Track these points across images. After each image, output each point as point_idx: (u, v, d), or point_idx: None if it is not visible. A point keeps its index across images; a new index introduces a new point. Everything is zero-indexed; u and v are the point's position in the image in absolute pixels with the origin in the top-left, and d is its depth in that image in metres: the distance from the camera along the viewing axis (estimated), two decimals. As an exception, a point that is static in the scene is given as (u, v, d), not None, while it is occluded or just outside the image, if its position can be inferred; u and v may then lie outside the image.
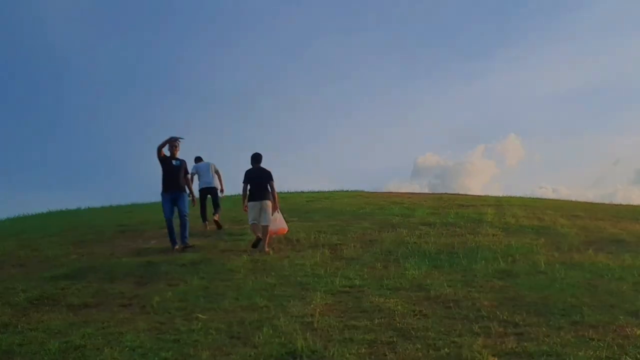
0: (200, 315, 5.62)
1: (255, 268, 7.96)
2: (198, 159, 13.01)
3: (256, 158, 9.80)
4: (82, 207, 22.36)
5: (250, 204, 9.55)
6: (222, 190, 12.59)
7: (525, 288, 6.35)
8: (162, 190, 9.97)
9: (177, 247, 9.75)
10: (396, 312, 5.48)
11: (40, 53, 56.96)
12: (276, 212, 9.77)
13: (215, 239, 10.74)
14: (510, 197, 18.91)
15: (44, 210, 21.89)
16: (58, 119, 60.34)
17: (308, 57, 67.56)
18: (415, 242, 9.55)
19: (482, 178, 59.73)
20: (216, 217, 11.95)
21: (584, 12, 63.68)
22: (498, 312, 5.35)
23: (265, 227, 9.40)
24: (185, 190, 10.22)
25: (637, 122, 65.91)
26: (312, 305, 5.88)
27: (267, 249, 9.16)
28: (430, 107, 67.68)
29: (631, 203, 18.90)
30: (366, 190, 23.18)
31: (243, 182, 9.74)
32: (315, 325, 5.14)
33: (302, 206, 15.76)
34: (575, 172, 60.26)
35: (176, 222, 9.89)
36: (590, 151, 62.87)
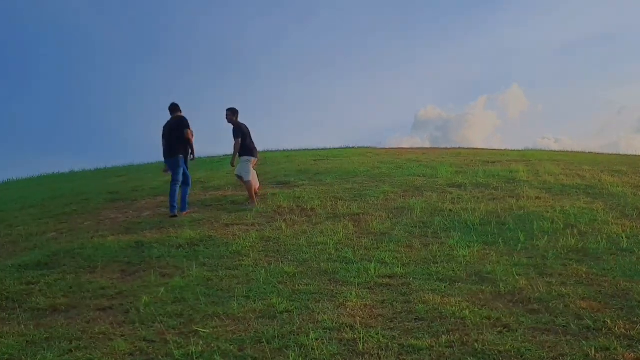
0: (201, 330, 4.14)
1: (267, 249, 6.47)
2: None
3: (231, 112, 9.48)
4: (76, 170, 20.90)
5: (247, 158, 9.53)
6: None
7: (621, 275, 4.87)
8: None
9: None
10: (466, 320, 4.00)
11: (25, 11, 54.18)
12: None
13: (216, 209, 9.22)
14: (535, 150, 17.34)
15: (36, 173, 20.46)
16: (54, 83, 58.02)
17: (302, 13, 64.70)
18: (451, 210, 8.03)
19: (484, 130, 58.00)
20: None
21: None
22: (609, 321, 3.86)
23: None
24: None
25: (638, 71, 63.68)
26: (347, 309, 4.40)
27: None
28: (431, 59, 65.32)
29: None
30: (374, 146, 21.64)
31: (236, 137, 9.43)
32: (361, 347, 3.66)
33: (310, 166, 14.19)
34: (578, 122, 58.55)
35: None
36: (593, 101, 60.97)
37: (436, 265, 5.47)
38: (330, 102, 65.16)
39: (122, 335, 4.19)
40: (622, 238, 6.00)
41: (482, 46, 64.21)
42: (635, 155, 16.22)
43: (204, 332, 4.09)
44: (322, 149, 21.06)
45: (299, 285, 5.07)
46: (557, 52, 63.50)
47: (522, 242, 6.16)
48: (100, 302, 5.02)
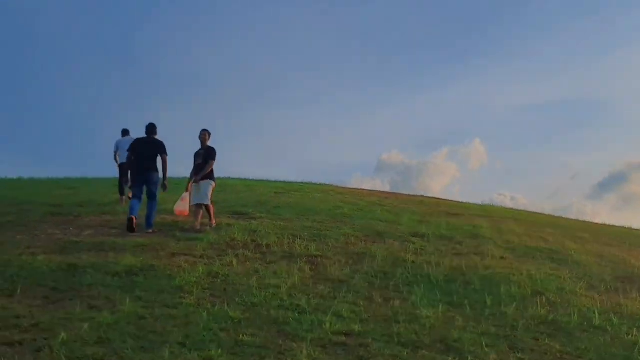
0: (120, 384, 3.46)
1: (214, 287, 5.81)
2: (125, 132, 12.22)
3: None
4: (24, 177, 19.72)
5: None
6: None
7: (596, 357, 4.42)
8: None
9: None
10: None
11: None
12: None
13: (164, 234, 8.50)
14: (495, 206, 17.21)
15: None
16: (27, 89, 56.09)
17: (275, 48, 64.92)
18: (413, 262, 7.53)
19: (444, 179, 58.51)
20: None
21: (552, 33, 62.94)
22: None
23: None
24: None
25: (596, 139, 65.79)
26: (297, 372, 3.79)
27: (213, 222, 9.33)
28: (400, 108, 66.00)
29: (591, 219, 17.39)
30: (336, 184, 21.22)
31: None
32: None
33: (270, 199, 13.60)
34: (534, 182, 59.45)
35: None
36: (550, 164, 62.26)
37: (398, 325, 4.91)
38: (295, 135, 64.96)
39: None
40: (594, 313, 5.58)
41: (447, 99, 65.40)
42: (595, 223, 16.23)
43: (124, 387, 3.41)
44: (284, 182, 20.51)
45: (243, 335, 4.43)
46: (518, 112, 65.08)
47: (489, 306, 5.68)
48: (10, 334, 4.26)
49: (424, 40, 67.68)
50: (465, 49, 66.30)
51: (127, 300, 5.15)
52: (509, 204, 36.64)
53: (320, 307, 5.32)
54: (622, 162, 64.29)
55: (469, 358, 4.22)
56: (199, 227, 9.01)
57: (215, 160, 9.39)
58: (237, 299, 5.41)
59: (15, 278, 5.66)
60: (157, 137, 9.33)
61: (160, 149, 9.12)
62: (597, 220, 17.44)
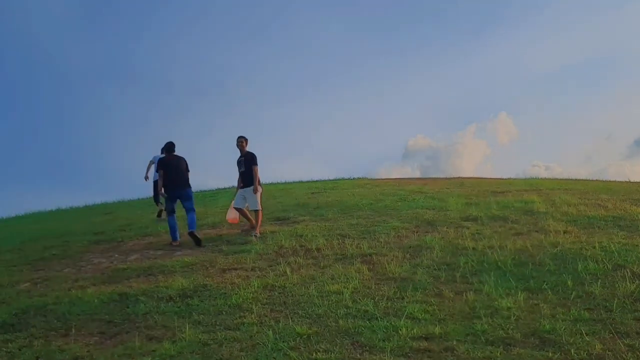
0: None
1: (272, 301, 5.45)
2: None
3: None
4: (63, 207, 19.82)
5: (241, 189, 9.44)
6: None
7: None
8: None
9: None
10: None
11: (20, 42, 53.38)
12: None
13: (210, 249, 8.20)
14: (541, 179, 16.52)
15: (21, 212, 19.36)
16: (51, 116, 56.93)
17: (290, 41, 64.53)
18: (474, 248, 7.06)
19: (474, 158, 57.39)
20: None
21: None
22: None
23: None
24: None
25: (628, 96, 63.72)
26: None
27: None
28: (419, 88, 65.04)
29: (630, 179, 16.45)
30: (368, 177, 20.80)
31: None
32: None
33: (308, 200, 13.24)
34: (566, 149, 58.06)
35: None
36: (581, 128, 60.78)
37: (479, 321, 4.47)
38: (317, 131, 64.50)
39: None
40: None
41: (467, 74, 64.13)
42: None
43: None
44: (317, 181, 20.19)
45: (316, 353, 4.05)
46: (540, 79, 63.55)
47: (571, 288, 5.18)
48: (70, 379, 3.98)
49: (434, 15, 66.35)
50: (478, 18, 64.74)
51: (186, 326, 4.82)
52: (543, 174, 35.55)
53: (390, 311, 4.92)
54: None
55: (572, 351, 3.76)
56: (250, 227, 9.26)
57: (258, 165, 9.35)
58: (299, 312, 5.04)
59: (67, 315, 5.38)
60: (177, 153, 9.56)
61: (187, 166, 9.39)
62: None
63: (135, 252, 8.55)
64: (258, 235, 8.87)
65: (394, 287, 5.61)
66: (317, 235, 8.46)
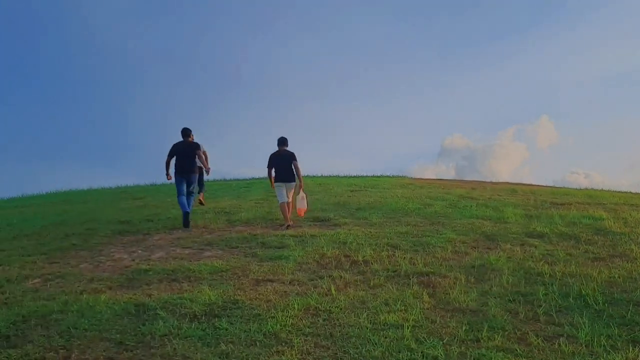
0: None
1: (317, 331, 4.42)
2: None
3: (281, 141, 9.54)
4: (94, 187, 19.24)
5: (277, 184, 9.39)
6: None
7: None
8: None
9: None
10: None
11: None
12: (301, 191, 9.43)
13: (243, 252, 7.23)
14: (596, 190, 15.13)
15: (53, 189, 18.89)
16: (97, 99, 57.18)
17: (332, 34, 63.23)
18: (550, 275, 5.92)
19: (512, 161, 55.39)
20: (200, 197, 11.79)
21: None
22: None
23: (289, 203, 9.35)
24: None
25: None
26: None
27: (290, 222, 9.13)
28: (460, 86, 63.15)
29: None
30: (406, 175, 19.67)
31: (267, 167, 9.53)
32: None
33: (348, 199, 12.20)
34: (607, 157, 55.39)
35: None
36: (623, 136, 58.00)
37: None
38: (352, 125, 63.25)
39: None
40: None
41: (511, 75, 61.91)
42: None
43: None
44: (355, 177, 19.15)
45: (379, 423, 3.02)
46: (584, 85, 60.93)
47: (697, 345, 4.04)
48: None
49: (480, 11, 64.15)
50: (527, 17, 62.31)
51: (212, 357, 3.84)
52: (583, 182, 33.77)
53: (464, 357, 3.85)
54: None
55: None
56: (290, 223, 9.09)
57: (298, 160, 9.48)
58: (351, 351, 4.00)
59: (72, 330, 4.45)
60: (192, 140, 10.05)
61: (196, 149, 9.80)
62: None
63: (161, 248, 7.64)
64: (291, 224, 9.11)
65: (464, 324, 4.53)
66: (362, 244, 7.41)
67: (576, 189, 15.23)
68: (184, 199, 9.45)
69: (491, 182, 16.84)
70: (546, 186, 16.29)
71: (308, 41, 61.89)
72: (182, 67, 59.15)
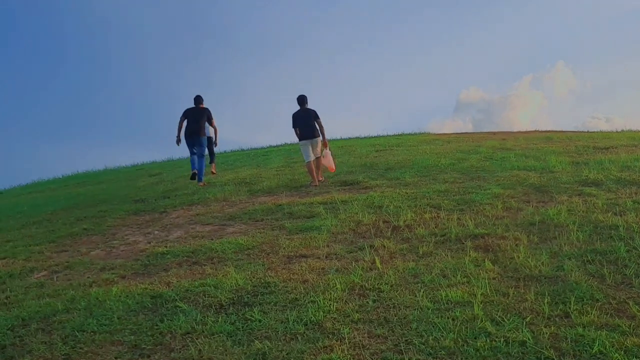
0: None
1: (368, 316, 3.62)
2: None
3: (301, 99, 9.43)
4: (110, 167, 18.64)
5: (302, 142, 9.30)
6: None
7: None
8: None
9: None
10: None
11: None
12: (326, 149, 9.33)
13: (270, 225, 6.45)
14: (635, 131, 14.07)
15: (70, 171, 18.39)
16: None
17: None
18: (626, 227, 5.05)
19: (530, 110, 53.80)
20: (212, 168, 11.98)
21: None
22: None
23: (318, 159, 9.27)
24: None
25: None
26: None
27: (321, 178, 9.24)
28: (472, 37, 61.19)
29: None
30: (429, 132, 18.73)
31: (292, 127, 9.45)
32: None
33: (374, 159, 11.34)
34: (627, 99, 53.54)
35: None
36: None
37: None
38: (365, 84, 61.89)
39: None
40: None
41: (522, 21, 59.70)
42: None
43: None
44: (377, 137, 18.26)
45: None
46: (599, 24, 58.39)
47: None
48: None
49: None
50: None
51: (242, 354, 3.08)
52: (604, 126, 32.38)
53: (561, 343, 3.03)
54: None
55: None
56: (317, 183, 9.01)
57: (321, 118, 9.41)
58: (415, 340, 3.20)
59: (78, 334, 3.72)
60: (204, 105, 10.41)
61: (210, 116, 10.46)
62: None
63: (179, 227, 6.90)
64: (321, 179, 9.30)
65: (544, 295, 3.70)
66: (401, 207, 6.59)
67: (616, 131, 14.17)
68: (195, 157, 10.08)
69: (520, 132, 15.82)
70: (581, 131, 15.25)
71: (316, 1, 60.05)
72: (193, 37, 58.10)
